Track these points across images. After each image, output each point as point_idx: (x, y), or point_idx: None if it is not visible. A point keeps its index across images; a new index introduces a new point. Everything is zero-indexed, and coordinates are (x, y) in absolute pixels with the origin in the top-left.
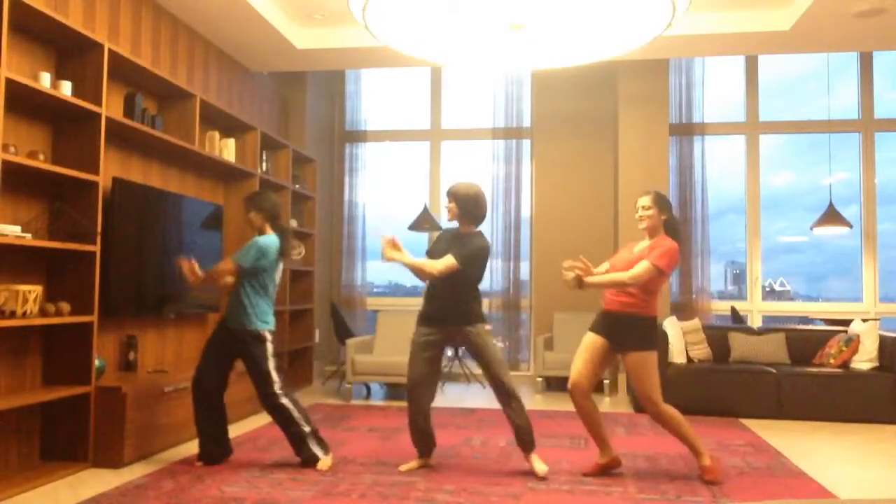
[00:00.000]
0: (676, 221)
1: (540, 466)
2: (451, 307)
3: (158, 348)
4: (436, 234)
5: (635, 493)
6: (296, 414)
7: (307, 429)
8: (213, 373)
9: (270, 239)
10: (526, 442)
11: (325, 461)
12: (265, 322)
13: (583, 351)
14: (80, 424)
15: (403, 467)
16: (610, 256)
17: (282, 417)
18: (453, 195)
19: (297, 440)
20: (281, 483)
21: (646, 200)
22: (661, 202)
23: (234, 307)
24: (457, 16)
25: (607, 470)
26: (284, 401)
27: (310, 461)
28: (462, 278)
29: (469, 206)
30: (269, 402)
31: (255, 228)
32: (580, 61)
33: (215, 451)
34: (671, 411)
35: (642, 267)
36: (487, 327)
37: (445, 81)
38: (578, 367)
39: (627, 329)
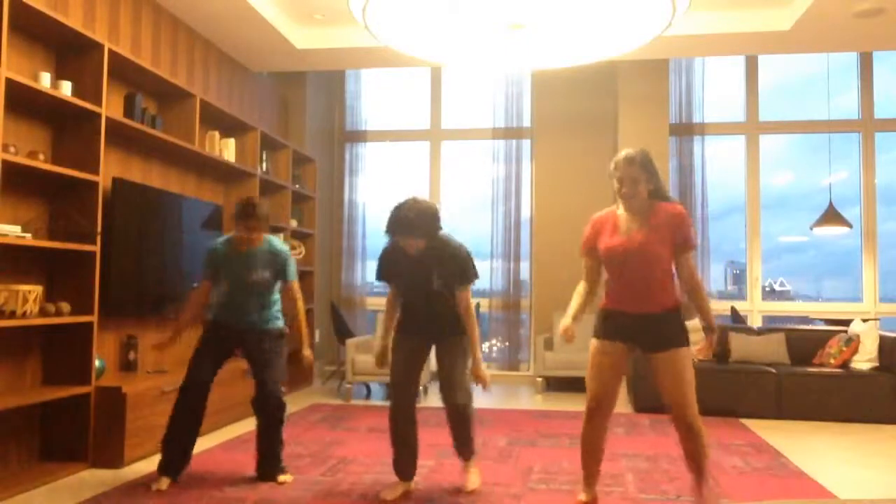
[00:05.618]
0: (665, 193)
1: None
2: (440, 321)
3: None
4: None
5: (635, 493)
6: None
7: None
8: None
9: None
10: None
11: (287, 476)
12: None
13: (599, 360)
14: (80, 424)
15: (386, 494)
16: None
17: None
18: (414, 227)
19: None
20: (281, 483)
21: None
22: (645, 165)
23: (267, 309)
24: (457, 16)
25: None
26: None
27: (277, 474)
28: (449, 293)
29: (433, 229)
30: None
31: (256, 240)
32: (580, 61)
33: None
34: (703, 428)
35: (691, 261)
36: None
37: (445, 81)
38: (601, 380)
39: (669, 324)
